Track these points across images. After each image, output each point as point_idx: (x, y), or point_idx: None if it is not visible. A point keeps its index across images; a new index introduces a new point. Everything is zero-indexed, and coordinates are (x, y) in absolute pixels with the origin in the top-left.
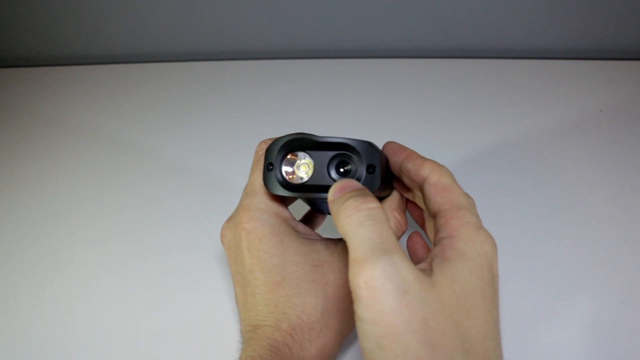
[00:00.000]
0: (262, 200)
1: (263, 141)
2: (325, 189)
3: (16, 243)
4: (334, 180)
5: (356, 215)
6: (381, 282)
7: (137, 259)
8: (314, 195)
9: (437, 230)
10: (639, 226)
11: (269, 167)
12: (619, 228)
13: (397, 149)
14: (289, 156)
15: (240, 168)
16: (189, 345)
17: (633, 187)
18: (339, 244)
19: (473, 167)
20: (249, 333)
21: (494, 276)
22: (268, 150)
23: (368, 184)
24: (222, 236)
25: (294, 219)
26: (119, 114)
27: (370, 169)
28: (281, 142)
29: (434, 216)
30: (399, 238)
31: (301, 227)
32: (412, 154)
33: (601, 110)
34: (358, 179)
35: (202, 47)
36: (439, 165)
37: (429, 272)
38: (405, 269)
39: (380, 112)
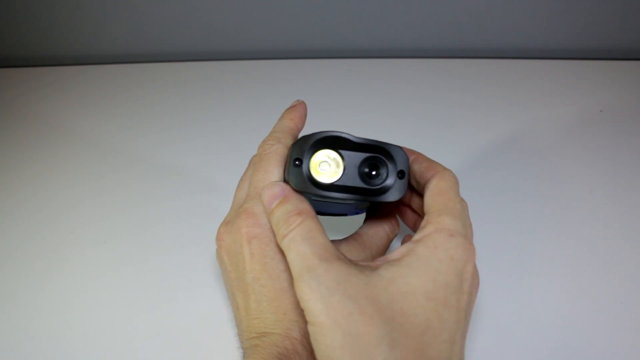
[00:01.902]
0: None
1: (265, 142)
2: (354, 190)
3: (16, 243)
4: (364, 183)
5: (286, 240)
6: (308, 294)
7: (137, 259)
8: (341, 196)
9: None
10: (639, 226)
11: (296, 162)
12: (619, 228)
13: (406, 152)
14: (318, 154)
15: (241, 169)
16: (188, 345)
17: (633, 187)
18: (342, 245)
19: (472, 167)
20: (254, 340)
21: (464, 280)
22: (296, 146)
23: (398, 189)
24: (219, 240)
25: None
26: (119, 114)
27: (400, 174)
28: (314, 139)
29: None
30: (392, 240)
31: None
32: (420, 157)
33: (601, 110)
34: (388, 184)
35: (202, 47)
36: (443, 169)
37: (370, 270)
38: (328, 278)
39: (380, 112)
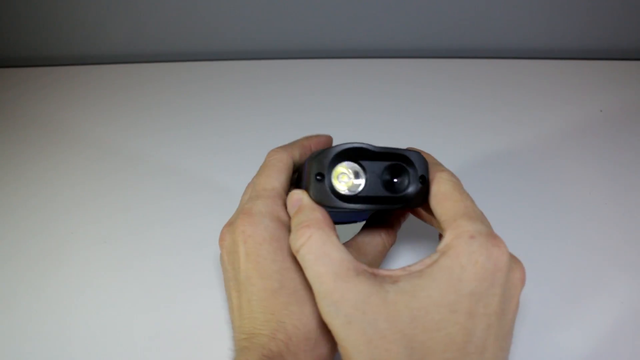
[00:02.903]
0: (264, 204)
1: (274, 150)
2: (378, 200)
3: (16, 243)
4: (388, 191)
5: (299, 255)
6: (329, 320)
7: (137, 259)
8: (364, 207)
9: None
10: (639, 226)
11: (318, 177)
12: (618, 228)
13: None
14: (339, 166)
15: (242, 168)
16: (188, 345)
17: (633, 187)
18: None
19: (472, 166)
20: (244, 342)
21: (494, 282)
22: (316, 160)
23: (422, 195)
24: (221, 240)
25: None
26: (119, 114)
27: (421, 179)
28: (334, 152)
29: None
30: (388, 250)
31: None
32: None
33: (601, 110)
34: (411, 190)
35: (202, 47)
36: (440, 170)
37: (390, 282)
38: (346, 304)
39: (380, 112)
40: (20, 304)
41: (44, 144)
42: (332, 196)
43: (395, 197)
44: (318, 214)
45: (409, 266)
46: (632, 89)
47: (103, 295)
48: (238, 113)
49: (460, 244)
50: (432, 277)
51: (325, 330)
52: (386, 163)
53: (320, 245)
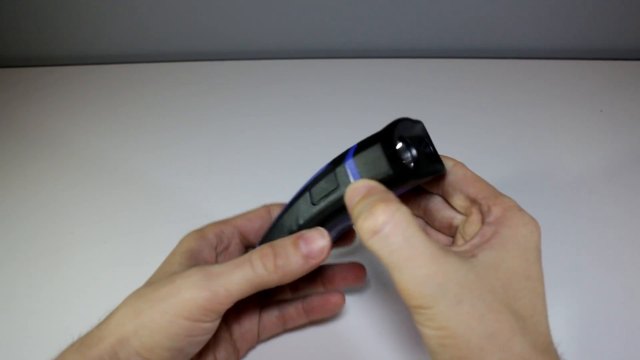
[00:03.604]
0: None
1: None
2: (426, 170)
3: (16, 243)
4: (430, 162)
5: (380, 237)
6: (433, 303)
7: (137, 259)
8: (428, 176)
9: (483, 217)
10: (639, 226)
11: (391, 155)
12: (618, 228)
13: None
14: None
15: (241, 168)
16: None
17: (633, 187)
18: None
19: (471, 167)
20: None
21: (539, 252)
22: (381, 141)
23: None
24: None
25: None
26: (119, 113)
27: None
28: (393, 130)
29: (467, 208)
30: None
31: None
32: None
33: (601, 110)
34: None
35: (202, 47)
36: (457, 161)
37: (471, 258)
38: (452, 284)
39: (380, 112)
40: (20, 304)
41: (43, 143)
42: (407, 168)
43: (432, 165)
44: (392, 195)
45: (469, 241)
46: (632, 89)
47: (103, 295)
48: (238, 113)
49: (513, 215)
50: (505, 247)
51: None
52: (417, 135)
53: (407, 226)
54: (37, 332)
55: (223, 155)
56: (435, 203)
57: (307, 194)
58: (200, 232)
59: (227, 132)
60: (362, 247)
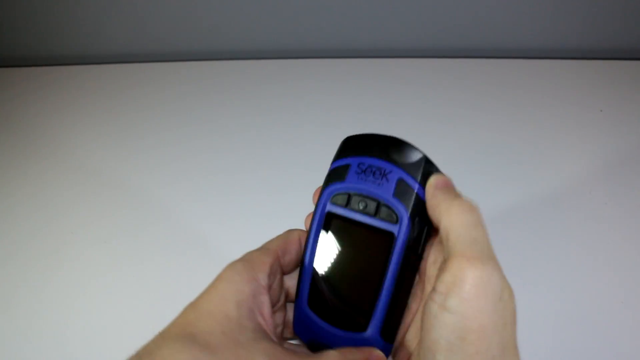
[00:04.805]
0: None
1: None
2: None
3: (16, 243)
4: None
5: (472, 216)
6: (485, 284)
7: (137, 259)
8: None
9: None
10: (639, 226)
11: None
12: (619, 228)
13: None
14: None
15: (241, 168)
16: None
17: (633, 187)
18: None
19: (471, 166)
20: None
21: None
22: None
23: None
24: None
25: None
26: (119, 113)
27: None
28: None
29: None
30: None
31: None
32: None
33: (601, 110)
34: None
35: (202, 47)
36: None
37: None
38: (501, 278)
39: (380, 112)
40: (20, 304)
41: (43, 143)
42: None
43: None
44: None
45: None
46: (632, 89)
47: (103, 295)
48: (238, 112)
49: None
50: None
51: None
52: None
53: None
54: (37, 332)
55: (223, 155)
56: None
57: None
58: (250, 271)
59: (227, 132)
60: None
